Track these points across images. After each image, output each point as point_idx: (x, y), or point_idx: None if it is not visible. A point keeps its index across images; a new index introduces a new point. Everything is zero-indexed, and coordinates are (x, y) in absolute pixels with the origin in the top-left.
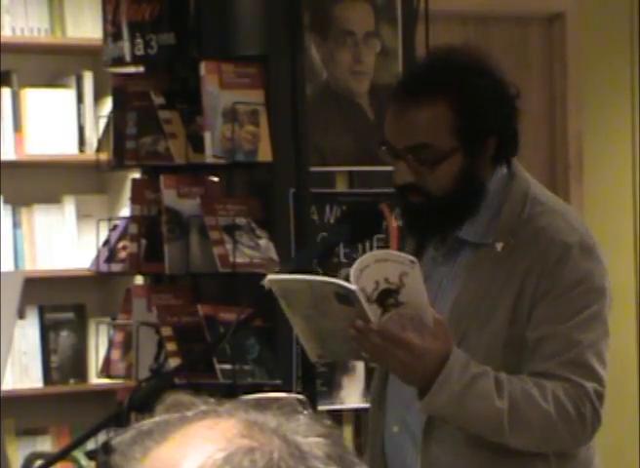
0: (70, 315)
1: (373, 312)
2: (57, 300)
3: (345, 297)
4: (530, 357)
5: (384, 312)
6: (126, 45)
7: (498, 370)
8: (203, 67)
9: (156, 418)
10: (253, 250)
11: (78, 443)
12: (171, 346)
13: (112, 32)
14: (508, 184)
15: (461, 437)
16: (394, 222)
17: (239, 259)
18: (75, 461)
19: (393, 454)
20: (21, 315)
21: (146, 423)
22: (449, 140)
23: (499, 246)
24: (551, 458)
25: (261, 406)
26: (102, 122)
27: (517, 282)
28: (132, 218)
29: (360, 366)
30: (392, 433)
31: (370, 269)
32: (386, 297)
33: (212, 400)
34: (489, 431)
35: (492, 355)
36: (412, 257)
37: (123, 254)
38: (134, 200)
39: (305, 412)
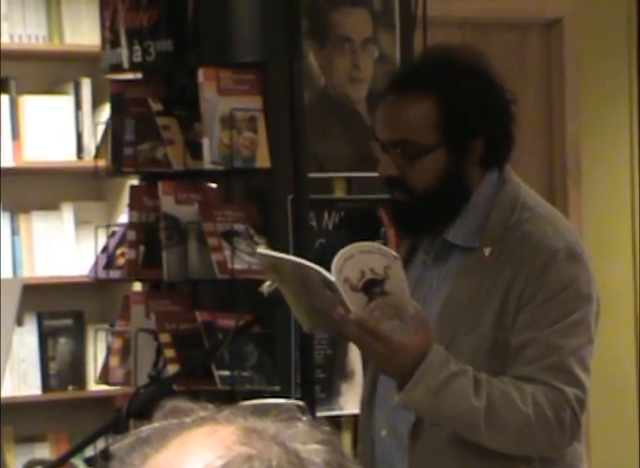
0: (69, 322)
1: (358, 300)
2: (55, 307)
3: (330, 284)
4: (512, 362)
5: (370, 300)
6: (124, 51)
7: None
8: (201, 74)
9: (155, 424)
10: (251, 256)
11: (77, 450)
12: (169, 353)
13: (110, 39)
14: (499, 190)
15: (448, 440)
16: (392, 228)
17: (237, 266)
18: None
19: (381, 458)
20: (20, 322)
21: (145, 430)
22: (432, 136)
23: (487, 251)
24: (535, 462)
25: (260, 412)
26: (100, 129)
27: (503, 287)
28: (130, 225)
29: (359, 371)
30: (381, 436)
31: (354, 260)
32: (372, 287)
33: (210, 406)
34: (464, 429)
35: (477, 359)
36: (394, 253)
37: (121, 261)
38: (132, 206)
39: (304, 419)
